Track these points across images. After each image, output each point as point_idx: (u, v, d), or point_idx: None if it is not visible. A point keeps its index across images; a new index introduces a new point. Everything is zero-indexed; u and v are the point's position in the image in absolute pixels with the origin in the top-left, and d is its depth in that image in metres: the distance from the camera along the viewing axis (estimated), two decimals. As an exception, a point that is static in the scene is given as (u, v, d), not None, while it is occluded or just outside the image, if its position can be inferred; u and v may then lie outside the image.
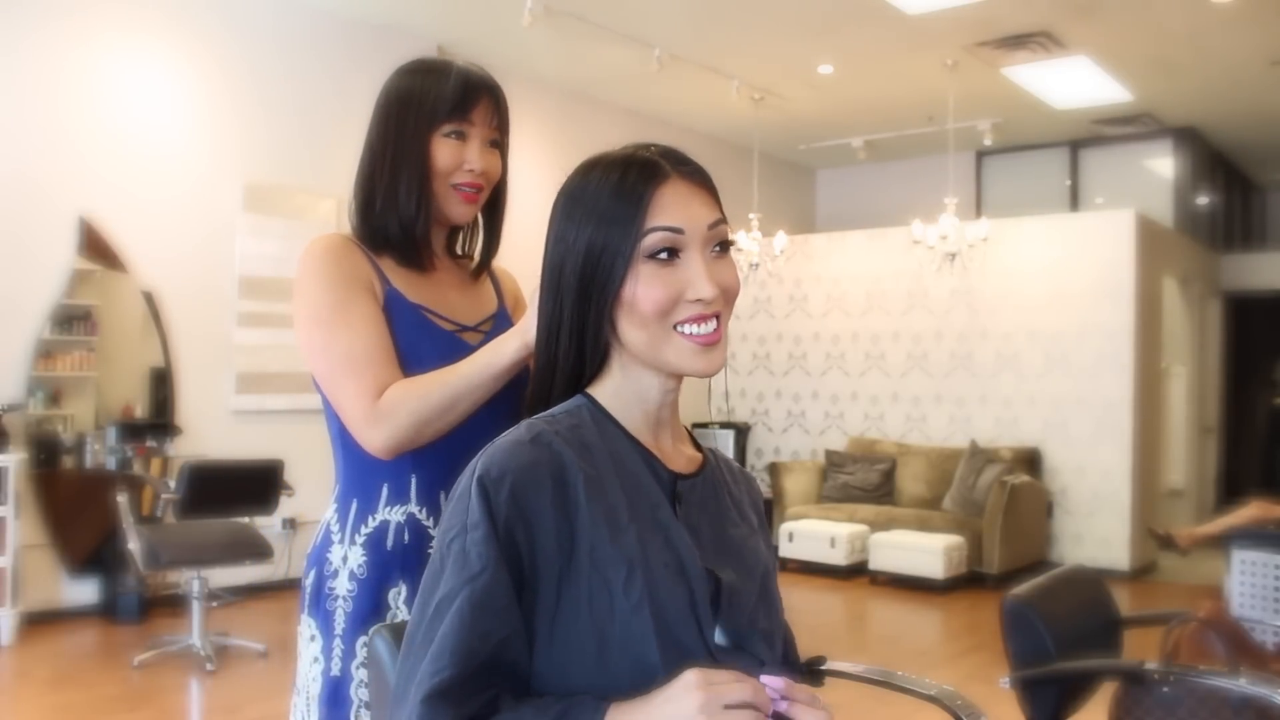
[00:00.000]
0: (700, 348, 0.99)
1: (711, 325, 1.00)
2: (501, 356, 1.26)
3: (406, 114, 1.39)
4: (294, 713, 1.39)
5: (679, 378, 1.05)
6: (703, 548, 1.01)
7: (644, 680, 0.90)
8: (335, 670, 1.34)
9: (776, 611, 1.09)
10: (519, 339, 1.25)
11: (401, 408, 1.27)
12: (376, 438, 1.27)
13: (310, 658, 1.37)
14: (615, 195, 0.99)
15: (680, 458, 1.07)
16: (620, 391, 1.04)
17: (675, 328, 0.99)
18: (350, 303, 1.32)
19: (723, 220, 1.02)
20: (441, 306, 1.42)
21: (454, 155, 1.39)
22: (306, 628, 1.38)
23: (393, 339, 1.34)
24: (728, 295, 1.02)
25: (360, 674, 1.33)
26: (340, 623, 1.34)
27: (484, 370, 1.27)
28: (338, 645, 1.34)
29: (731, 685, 0.86)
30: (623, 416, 1.04)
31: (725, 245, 1.03)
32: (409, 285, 1.40)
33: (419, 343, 1.36)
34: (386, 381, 1.29)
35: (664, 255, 0.98)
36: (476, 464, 0.96)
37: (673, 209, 0.99)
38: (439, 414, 1.27)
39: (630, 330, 1.00)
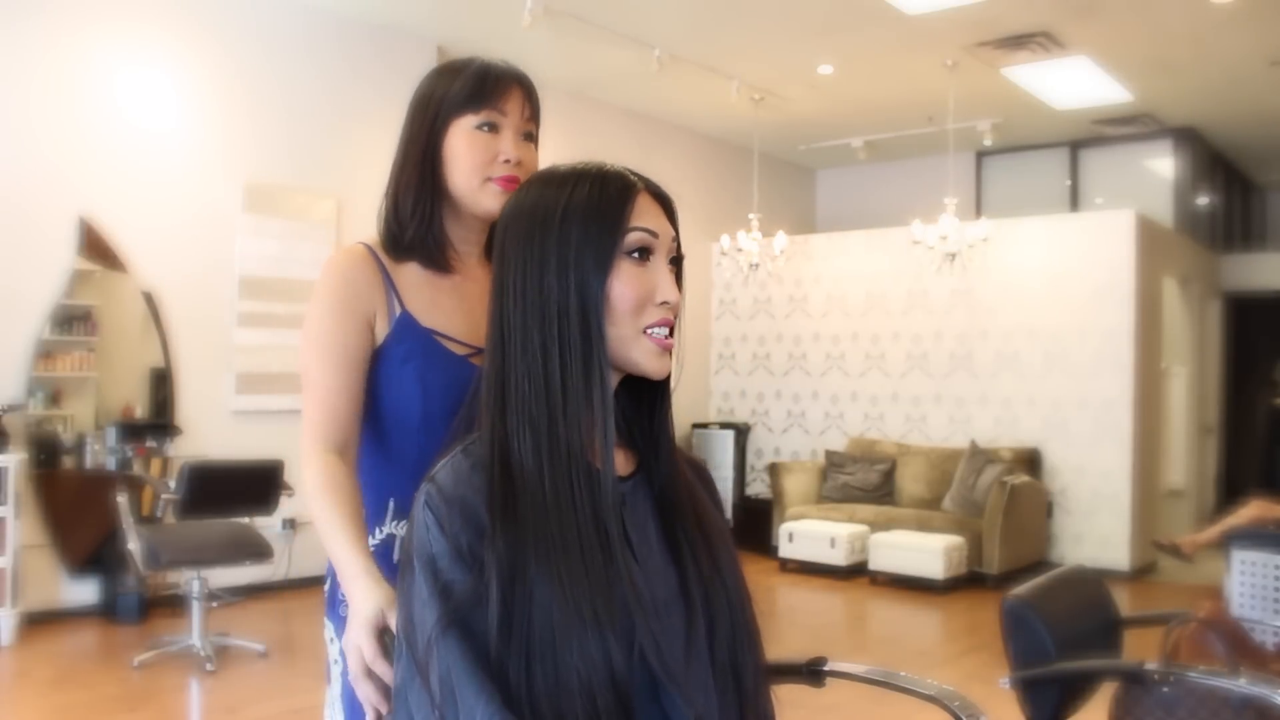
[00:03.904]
0: (662, 350, 1.06)
1: (667, 330, 1.06)
2: (334, 557, 1.23)
3: (424, 113, 1.38)
4: (328, 706, 1.41)
5: (622, 378, 1.09)
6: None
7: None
8: None
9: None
10: (360, 601, 1.15)
11: (309, 488, 1.27)
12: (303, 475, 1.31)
13: (332, 658, 1.39)
14: (600, 202, 1.04)
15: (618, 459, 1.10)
16: None
17: (645, 330, 1.05)
18: (339, 334, 1.32)
19: (678, 237, 1.09)
20: (462, 325, 1.38)
21: (487, 148, 1.36)
22: (326, 628, 1.40)
23: (399, 367, 1.33)
24: (675, 307, 1.08)
25: None
26: None
27: (327, 538, 1.24)
28: None
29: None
30: None
31: (676, 262, 1.09)
32: (430, 299, 1.38)
33: (427, 371, 1.34)
34: (333, 434, 1.29)
35: (637, 255, 1.04)
36: None
37: (647, 215, 1.05)
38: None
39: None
